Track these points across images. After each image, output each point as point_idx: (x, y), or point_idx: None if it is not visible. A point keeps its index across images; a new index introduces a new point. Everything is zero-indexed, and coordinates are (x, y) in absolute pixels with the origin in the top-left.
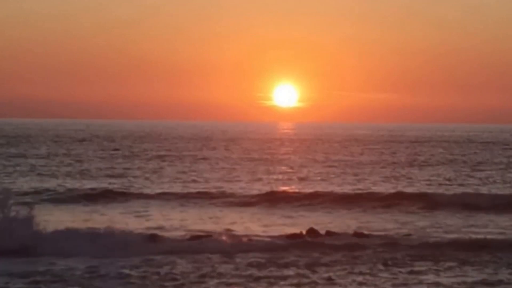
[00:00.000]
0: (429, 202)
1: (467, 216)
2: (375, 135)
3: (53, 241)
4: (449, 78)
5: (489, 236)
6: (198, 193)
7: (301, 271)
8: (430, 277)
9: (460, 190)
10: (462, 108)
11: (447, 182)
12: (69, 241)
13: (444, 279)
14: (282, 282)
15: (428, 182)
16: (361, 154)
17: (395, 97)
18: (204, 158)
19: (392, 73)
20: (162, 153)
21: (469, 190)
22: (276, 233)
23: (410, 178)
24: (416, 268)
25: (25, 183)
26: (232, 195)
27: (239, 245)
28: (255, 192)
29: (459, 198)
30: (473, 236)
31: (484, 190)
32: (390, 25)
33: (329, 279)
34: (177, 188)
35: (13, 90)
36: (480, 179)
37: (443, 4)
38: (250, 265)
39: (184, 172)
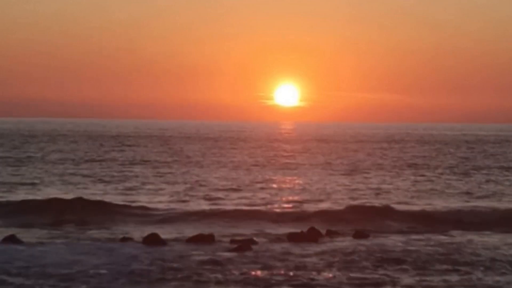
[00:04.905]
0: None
1: None
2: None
3: None
4: (446, 79)
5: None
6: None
7: None
8: None
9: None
10: (459, 108)
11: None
12: None
13: None
14: None
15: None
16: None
17: (393, 97)
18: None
19: (390, 74)
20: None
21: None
22: (276, 232)
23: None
24: None
25: None
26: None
27: None
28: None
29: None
30: None
31: None
32: (388, 27)
33: None
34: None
35: (15, 90)
36: None
37: (440, 5)
38: None
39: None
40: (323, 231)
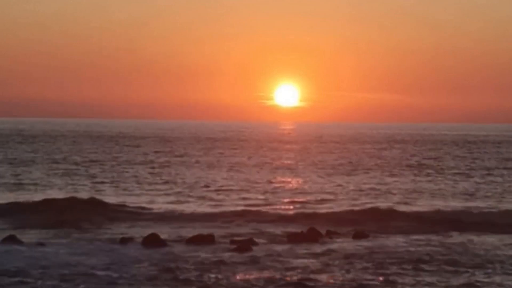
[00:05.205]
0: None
1: None
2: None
3: None
4: (446, 78)
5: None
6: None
7: None
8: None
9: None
10: (459, 108)
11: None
12: None
13: None
14: None
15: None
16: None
17: (393, 97)
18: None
19: (390, 74)
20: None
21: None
22: (276, 232)
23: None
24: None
25: None
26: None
27: None
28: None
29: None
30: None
31: None
32: (388, 27)
33: None
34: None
35: (15, 90)
36: None
37: (440, 5)
38: None
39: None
40: (323, 232)
